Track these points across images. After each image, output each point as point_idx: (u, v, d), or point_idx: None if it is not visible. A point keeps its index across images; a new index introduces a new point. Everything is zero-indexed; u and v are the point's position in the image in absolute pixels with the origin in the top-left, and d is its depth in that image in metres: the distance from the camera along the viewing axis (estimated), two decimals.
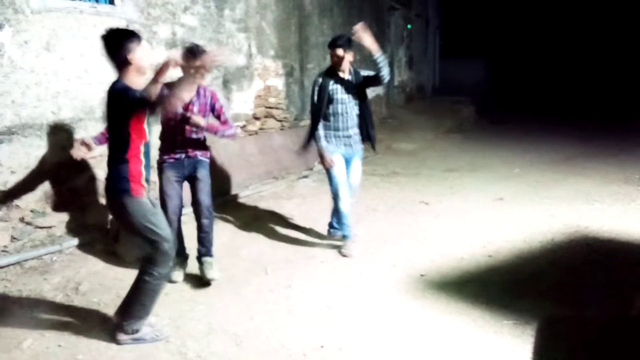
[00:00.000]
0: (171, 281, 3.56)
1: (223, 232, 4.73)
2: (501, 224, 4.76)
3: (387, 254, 4.12)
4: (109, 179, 2.88)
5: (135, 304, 2.92)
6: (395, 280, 3.64)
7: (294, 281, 3.70)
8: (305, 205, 5.59)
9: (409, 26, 13.70)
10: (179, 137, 3.67)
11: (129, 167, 2.80)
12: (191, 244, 3.87)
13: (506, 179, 6.47)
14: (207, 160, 3.81)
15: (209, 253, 3.78)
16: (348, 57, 4.14)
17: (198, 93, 3.69)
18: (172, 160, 3.68)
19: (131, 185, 2.79)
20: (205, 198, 3.72)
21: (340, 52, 4.08)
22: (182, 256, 3.77)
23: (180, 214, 3.77)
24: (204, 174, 3.73)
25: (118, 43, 2.79)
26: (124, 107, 2.74)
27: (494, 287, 3.53)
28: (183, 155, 3.68)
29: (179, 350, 2.85)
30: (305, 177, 6.88)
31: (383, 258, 4.04)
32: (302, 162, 6.90)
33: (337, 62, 4.11)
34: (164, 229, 2.88)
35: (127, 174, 2.79)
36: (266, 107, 7.09)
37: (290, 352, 2.81)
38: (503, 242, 4.32)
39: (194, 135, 3.71)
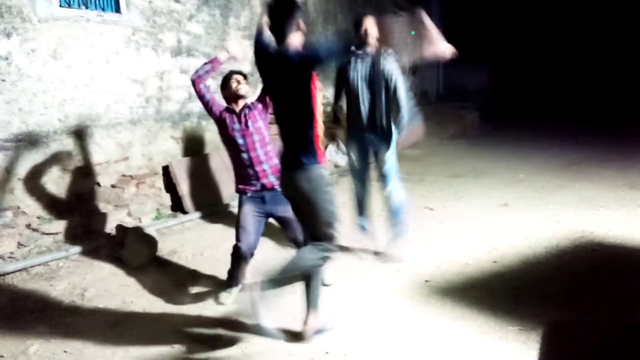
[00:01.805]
0: (219, 303, 3.44)
1: (229, 238, 4.74)
2: (506, 229, 4.75)
3: (391, 259, 4.12)
4: (294, 152, 2.72)
5: (316, 293, 2.92)
6: (400, 286, 3.64)
7: (298, 287, 3.70)
8: None
9: (412, 33, 13.73)
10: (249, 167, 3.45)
11: (315, 135, 2.68)
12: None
13: (511, 185, 6.46)
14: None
15: None
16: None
17: (246, 109, 3.51)
18: (250, 192, 3.46)
19: (318, 153, 2.69)
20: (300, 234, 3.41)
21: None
22: (236, 285, 3.56)
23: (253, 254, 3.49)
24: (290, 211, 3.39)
25: (294, 7, 2.69)
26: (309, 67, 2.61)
27: (499, 292, 3.52)
28: (259, 187, 3.45)
29: (184, 356, 2.86)
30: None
31: (387, 264, 4.04)
32: None
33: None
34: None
35: (314, 142, 2.66)
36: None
37: (295, 357, 2.82)
38: (508, 247, 4.31)
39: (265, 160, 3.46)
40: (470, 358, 2.78)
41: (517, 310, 3.24)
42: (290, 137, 2.76)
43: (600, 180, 6.41)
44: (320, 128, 2.77)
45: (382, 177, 4.01)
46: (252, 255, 3.45)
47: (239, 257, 3.44)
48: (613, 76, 15.04)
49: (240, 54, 3.57)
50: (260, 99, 3.57)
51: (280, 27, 2.66)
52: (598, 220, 4.91)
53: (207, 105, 3.50)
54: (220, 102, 3.55)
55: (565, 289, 3.52)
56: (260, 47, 2.79)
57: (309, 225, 2.82)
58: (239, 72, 3.55)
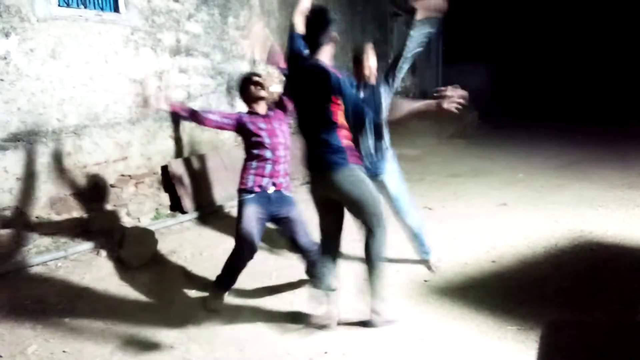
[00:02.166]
0: (211, 310, 3.39)
1: (227, 238, 4.74)
2: (505, 229, 4.75)
3: (390, 259, 4.12)
4: (325, 154, 2.86)
5: (378, 282, 2.99)
6: (399, 285, 3.64)
7: (298, 287, 3.70)
8: (310, 210, 5.59)
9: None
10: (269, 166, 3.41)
11: (341, 139, 2.86)
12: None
13: (510, 184, 6.46)
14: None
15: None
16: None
17: (270, 110, 3.52)
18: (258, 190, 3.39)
19: (347, 154, 2.85)
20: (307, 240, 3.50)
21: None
22: (228, 290, 3.54)
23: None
24: (295, 213, 3.48)
25: (328, 21, 2.87)
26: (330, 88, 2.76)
27: (498, 292, 3.52)
28: (271, 186, 3.40)
29: (184, 356, 2.86)
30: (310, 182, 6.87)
31: (386, 263, 4.03)
32: (304, 171, 6.89)
33: None
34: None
35: (342, 146, 2.84)
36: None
37: (294, 357, 2.82)
38: (507, 247, 4.31)
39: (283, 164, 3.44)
40: (469, 357, 2.78)
41: (515, 309, 3.24)
42: (318, 142, 2.89)
43: (599, 180, 6.43)
44: (345, 132, 2.91)
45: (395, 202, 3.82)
46: (251, 258, 3.41)
47: (237, 261, 3.40)
48: (612, 76, 15.05)
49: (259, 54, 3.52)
50: (279, 105, 3.57)
51: (315, 38, 2.85)
52: (597, 219, 4.92)
53: (226, 128, 3.46)
54: (229, 115, 3.50)
55: (564, 288, 3.53)
56: (295, 56, 2.95)
57: (359, 218, 2.95)
58: (256, 74, 3.54)
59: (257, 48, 3.50)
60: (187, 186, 5.47)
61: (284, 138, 3.46)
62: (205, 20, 5.88)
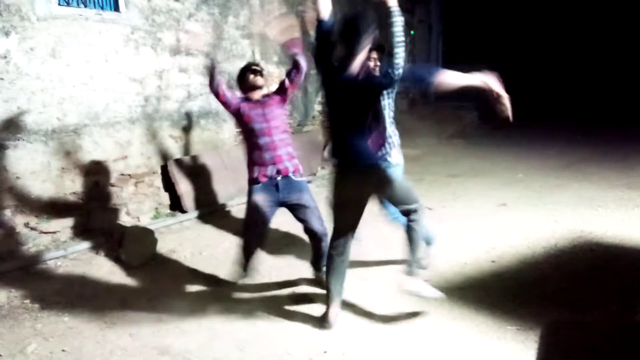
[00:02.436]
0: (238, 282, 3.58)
1: (227, 237, 4.74)
2: (504, 229, 4.75)
3: (390, 259, 4.12)
4: (365, 155, 2.95)
5: (416, 250, 3.09)
6: (399, 285, 3.64)
7: (297, 286, 3.70)
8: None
9: (412, 32, 13.72)
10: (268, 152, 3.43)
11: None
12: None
13: (509, 185, 6.46)
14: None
15: (320, 269, 3.72)
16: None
17: (265, 97, 3.54)
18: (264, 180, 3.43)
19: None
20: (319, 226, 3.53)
21: None
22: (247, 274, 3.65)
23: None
24: (307, 198, 3.50)
25: (370, 25, 2.86)
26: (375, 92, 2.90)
27: (497, 292, 3.52)
28: (275, 172, 3.42)
29: (183, 355, 2.86)
30: (309, 182, 6.88)
31: (386, 263, 4.04)
32: (305, 168, 6.90)
33: None
34: None
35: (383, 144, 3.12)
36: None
37: (293, 357, 2.82)
38: (506, 247, 4.31)
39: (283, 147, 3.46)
40: (468, 357, 2.78)
41: (515, 310, 3.24)
42: (361, 143, 2.95)
43: (598, 180, 6.42)
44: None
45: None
46: (259, 246, 3.55)
47: (245, 251, 3.51)
48: (612, 77, 15.05)
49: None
50: (279, 91, 3.58)
51: (356, 42, 2.81)
52: (596, 220, 4.92)
53: (228, 107, 3.51)
54: (234, 97, 3.54)
55: (564, 288, 3.53)
56: (330, 67, 2.94)
57: (401, 206, 3.05)
58: (255, 64, 3.57)
59: (279, 30, 3.49)
60: (187, 185, 5.47)
61: (280, 122, 3.48)
62: (205, 20, 5.88)
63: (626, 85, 14.18)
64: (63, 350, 2.92)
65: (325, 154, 7.99)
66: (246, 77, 3.50)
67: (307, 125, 7.76)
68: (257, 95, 3.51)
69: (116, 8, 4.90)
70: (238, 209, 5.69)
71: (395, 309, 3.31)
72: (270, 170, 3.40)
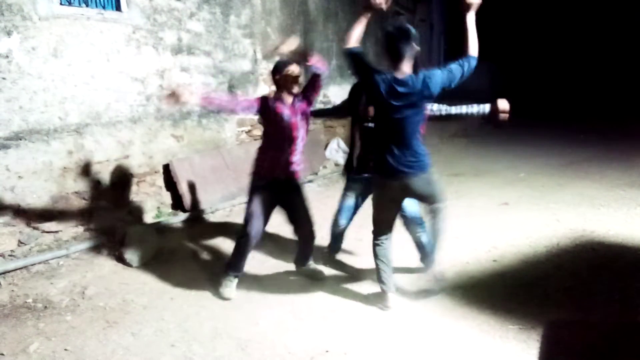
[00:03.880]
0: (224, 298, 3.52)
1: (230, 236, 4.74)
2: (506, 228, 4.75)
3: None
4: (420, 158, 3.12)
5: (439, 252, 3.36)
6: (400, 285, 3.64)
7: (299, 285, 3.71)
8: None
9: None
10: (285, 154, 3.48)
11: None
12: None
13: (511, 184, 6.46)
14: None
15: (310, 259, 3.87)
16: None
17: (297, 101, 3.52)
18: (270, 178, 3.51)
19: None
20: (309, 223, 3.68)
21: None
22: (239, 274, 3.68)
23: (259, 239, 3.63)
24: (302, 198, 3.63)
25: (412, 36, 3.05)
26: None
27: (499, 291, 3.52)
28: (283, 175, 3.51)
29: (185, 355, 2.86)
30: (310, 181, 6.89)
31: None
32: (306, 167, 6.91)
33: None
34: None
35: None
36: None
37: (295, 356, 2.82)
38: (508, 246, 4.31)
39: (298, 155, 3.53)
40: (470, 357, 2.78)
41: (517, 309, 3.24)
42: (413, 149, 3.09)
43: (600, 179, 6.42)
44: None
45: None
46: (257, 241, 3.56)
47: (245, 244, 3.53)
48: (614, 76, 15.02)
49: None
50: (304, 97, 3.56)
51: (400, 52, 3.00)
52: (598, 219, 4.92)
53: (257, 110, 3.46)
54: (251, 100, 3.51)
55: (566, 288, 3.52)
56: (373, 72, 3.06)
57: (431, 204, 3.27)
58: (297, 62, 3.50)
59: (289, 48, 3.49)
60: (189, 185, 5.47)
61: (303, 131, 3.52)
62: (207, 19, 5.88)
63: (628, 84, 14.15)
64: (65, 350, 2.93)
65: (327, 153, 7.99)
66: (287, 74, 3.43)
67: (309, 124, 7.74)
68: (289, 97, 3.48)
69: (118, 7, 4.90)
70: (240, 208, 5.69)
71: (397, 308, 3.31)
72: (279, 172, 3.48)
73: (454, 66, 3.02)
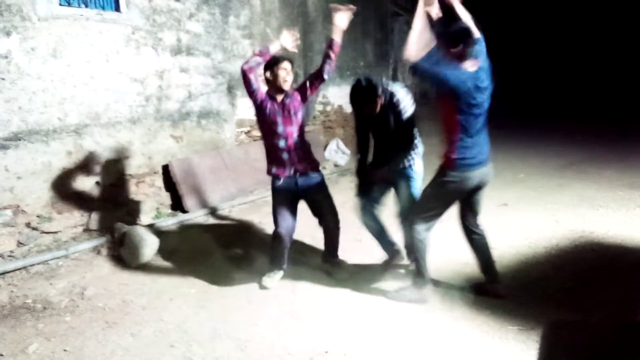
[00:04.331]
0: (263, 287, 3.67)
1: (229, 237, 4.74)
2: (505, 229, 4.74)
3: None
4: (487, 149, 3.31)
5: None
6: (400, 286, 3.64)
7: (298, 286, 3.71)
8: None
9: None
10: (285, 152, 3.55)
11: None
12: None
13: (510, 184, 6.46)
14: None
15: (336, 256, 3.91)
16: None
17: (287, 98, 3.55)
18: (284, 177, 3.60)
19: None
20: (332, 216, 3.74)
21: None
22: (283, 268, 3.80)
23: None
24: (322, 190, 3.70)
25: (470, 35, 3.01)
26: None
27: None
28: (292, 171, 3.59)
29: (184, 355, 2.86)
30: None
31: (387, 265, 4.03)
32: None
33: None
34: None
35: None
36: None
37: (294, 357, 2.82)
38: (507, 247, 4.31)
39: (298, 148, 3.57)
40: (470, 357, 2.78)
41: (516, 309, 3.24)
42: (486, 139, 3.33)
43: (600, 180, 6.42)
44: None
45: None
46: (290, 238, 3.66)
47: (279, 243, 3.63)
48: (613, 76, 15.04)
49: (291, 45, 3.60)
50: (300, 89, 3.59)
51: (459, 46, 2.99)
52: (598, 220, 4.92)
53: (252, 93, 3.53)
54: (263, 89, 3.56)
55: (565, 288, 3.52)
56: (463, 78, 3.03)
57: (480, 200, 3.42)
58: (289, 60, 3.53)
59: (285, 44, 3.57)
60: (188, 185, 5.47)
61: (297, 124, 3.54)
62: (206, 20, 5.88)
63: (627, 85, 14.17)
64: (65, 350, 2.92)
65: (327, 154, 7.99)
66: (277, 74, 3.47)
67: (308, 125, 7.75)
68: (281, 93, 3.52)
69: (117, 8, 4.90)
70: (239, 209, 5.69)
71: (395, 308, 3.31)
72: (289, 170, 3.56)
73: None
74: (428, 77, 3.12)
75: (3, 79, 4.05)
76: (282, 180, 3.58)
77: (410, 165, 3.64)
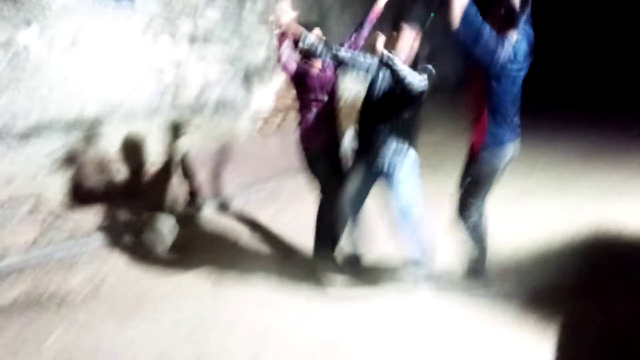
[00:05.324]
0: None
1: (245, 227, 4.77)
2: (523, 218, 4.69)
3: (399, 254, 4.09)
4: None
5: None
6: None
7: (316, 275, 3.71)
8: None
9: (432, 15, 13.50)
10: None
11: None
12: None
13: (529, 173, 6.34)
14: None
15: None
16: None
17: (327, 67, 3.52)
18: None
19: None
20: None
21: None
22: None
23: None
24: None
25: None
26: None
27: (516, 282, 3.48)
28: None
29: (201, 344, 2.90)
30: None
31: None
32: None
33: None
34: None
35: None
36: (289, 100, 7.08)
37: (310, 345, 2.84)
38: (526, 236, 4.25)
39: None
40: (487, 349, 2.78)
41: (535, 300, 3.21)
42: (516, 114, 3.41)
43: (621, 169, 6.29)
44: None
45: None
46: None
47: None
48: (634, 60, 14.63)
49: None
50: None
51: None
52: (618, 209, 4.82)
53: (291, 76, 3.52)
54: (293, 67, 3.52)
55: (585, 279, 3.48)
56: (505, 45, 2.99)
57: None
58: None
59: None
60: (204, 176, 5.50)
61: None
62: (223, 7, 5.85)
63: None
64: (84, 339, 2.98)
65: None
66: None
67: None
68: (318, 63, 3.49)
69: None
70: (256, 198, 5.71)
71: (406, 302, 3.31)
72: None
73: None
74: (473, 33, 2.89)
75: (24, 69, 4.09)
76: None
77: (394, 166, 3.32)
